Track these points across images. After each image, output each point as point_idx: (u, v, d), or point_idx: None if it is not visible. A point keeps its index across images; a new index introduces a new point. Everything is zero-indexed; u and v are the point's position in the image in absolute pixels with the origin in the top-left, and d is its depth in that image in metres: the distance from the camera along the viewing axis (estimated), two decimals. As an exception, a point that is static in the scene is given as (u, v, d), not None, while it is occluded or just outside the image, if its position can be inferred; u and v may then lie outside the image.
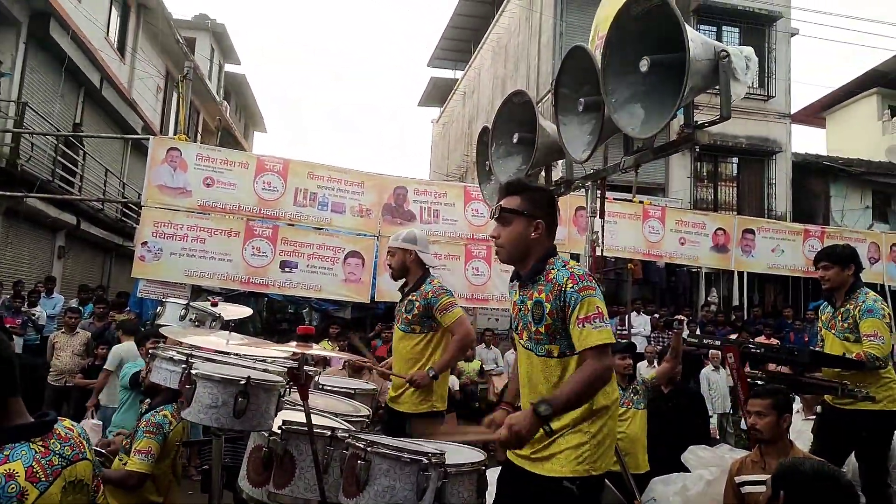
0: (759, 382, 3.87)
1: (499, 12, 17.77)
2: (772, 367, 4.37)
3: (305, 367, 2.15)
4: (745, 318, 11.10)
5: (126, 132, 14.34)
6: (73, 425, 1.67)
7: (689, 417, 5.07)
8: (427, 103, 26.95)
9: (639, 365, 5.50)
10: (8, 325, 8.16)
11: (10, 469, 1.35)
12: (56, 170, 11.54)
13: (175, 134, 13.00)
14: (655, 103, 2.82)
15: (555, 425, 2.10)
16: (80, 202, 12.02)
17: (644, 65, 2.71)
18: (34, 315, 8.52)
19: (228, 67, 24.71)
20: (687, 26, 2.56)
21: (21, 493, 1.34)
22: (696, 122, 2.83)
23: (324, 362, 5.61)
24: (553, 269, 2.29)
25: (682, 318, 4.36)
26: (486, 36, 18.95)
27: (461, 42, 21.56)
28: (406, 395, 3.66)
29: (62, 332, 7.49)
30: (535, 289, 2.30)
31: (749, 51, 2.76)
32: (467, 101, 20.78)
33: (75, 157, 12.38)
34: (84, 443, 1.65)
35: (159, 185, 8.22)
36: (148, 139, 9.27)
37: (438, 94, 25.14)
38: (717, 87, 2.71)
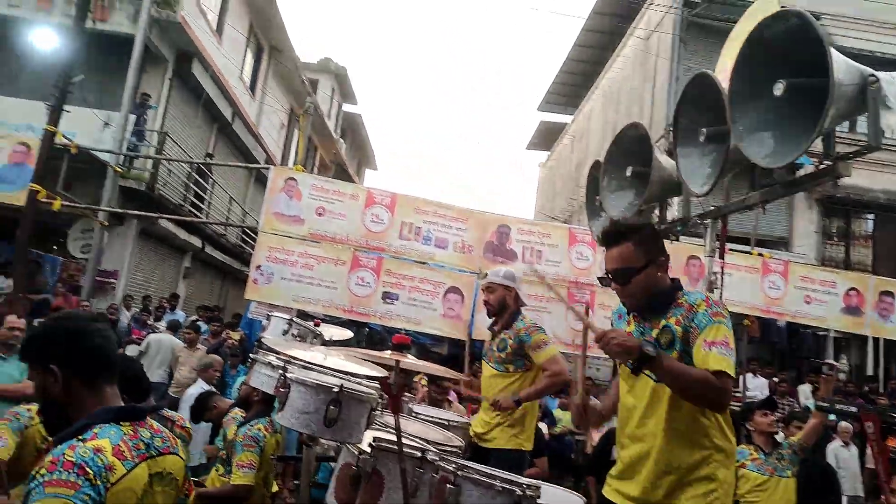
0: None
1: (613, 56, 17.62)
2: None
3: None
4: (882, 390, 9.92)
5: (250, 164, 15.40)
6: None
7: (822, 495, 4.44)
8: (535, 146, 27.00)
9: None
10: (135, 336, 8.82)
11: (98, 444, 1.44)
12: (188, 195, 12.53)
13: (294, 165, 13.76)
14: (788, 131, 2.59)
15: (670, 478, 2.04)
16: (204, 226, 12.94)
17: (779, 88, 2.50)
18: (158, 329, 9.14)
19: (346, 107, 26.10)
20: (831, 47, 2.34)
21: (109, 466, 1.41)
22: (838, 153, 2.56)
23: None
24: (684, 297, 2.15)
25: (833, 363, 3.89)
26: (598, 80, 18.80)
27: (572, 87, 21.52)
28: (495, 430, 3.59)
29: (185, 348, 7.94)
30: (664, 316, 2.14)
31: (903, 75, 2.49)
32: (576, 145, 20.60)
33: (205, 184, 13.41)
34: (178, 441, 1.70)
35: (276, 213, 8.67)
36: (269, 169, 9.85)
37: (547, 137, 25.14)
38: (858, 118, 2.45)
